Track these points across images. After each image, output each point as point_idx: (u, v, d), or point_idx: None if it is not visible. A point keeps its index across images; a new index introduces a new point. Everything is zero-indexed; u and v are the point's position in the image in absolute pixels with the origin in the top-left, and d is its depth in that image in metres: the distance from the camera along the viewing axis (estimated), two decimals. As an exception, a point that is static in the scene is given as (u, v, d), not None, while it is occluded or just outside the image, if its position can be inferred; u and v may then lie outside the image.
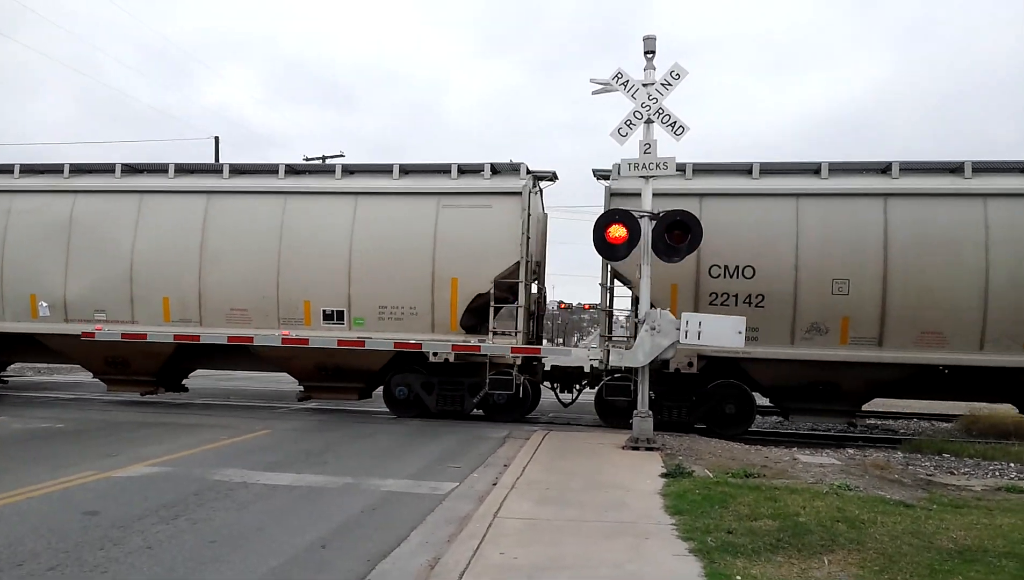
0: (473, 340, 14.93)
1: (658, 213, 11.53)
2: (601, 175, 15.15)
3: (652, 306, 11.69)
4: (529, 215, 14.89)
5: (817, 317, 13.91)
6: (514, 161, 15.45)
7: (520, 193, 14.83)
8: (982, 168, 13.90)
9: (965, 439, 14.24)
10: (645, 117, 11.74)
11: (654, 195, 12.03)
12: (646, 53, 11.81)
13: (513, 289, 15.00)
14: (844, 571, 5.56)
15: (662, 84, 11.72)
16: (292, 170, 16.29)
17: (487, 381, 14.81)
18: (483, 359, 14.87)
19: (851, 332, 13.85)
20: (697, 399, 14.50)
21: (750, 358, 13.96)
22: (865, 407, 17.62)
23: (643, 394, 11.73)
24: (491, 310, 14.82)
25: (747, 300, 14.06)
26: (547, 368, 16.44)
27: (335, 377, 15.77)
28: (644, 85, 11.75)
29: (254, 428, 13.22)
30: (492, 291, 14.78)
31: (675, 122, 11.69)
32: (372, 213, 15.36)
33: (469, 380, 15.20)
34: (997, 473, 10.91)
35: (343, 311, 15.28)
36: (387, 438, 12.74)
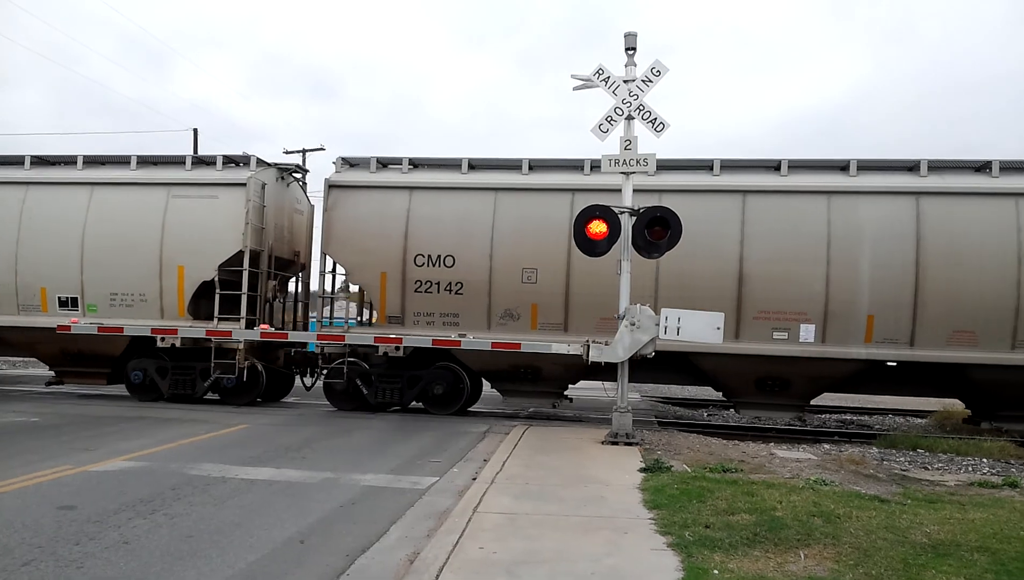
0: (200, 325, 15.56)
1: (639, 209, 11.58)
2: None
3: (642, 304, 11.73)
4: (264, 206, 15.81)
5: (510, 304, 14.67)
6: (247, 153, 16.19)
7: (245, 184, 15.39)
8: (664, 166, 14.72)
9: (939, 435, 14.43)
10: (626, 113, 11.78)
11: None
12: (627, 50, 11.84)
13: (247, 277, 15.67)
14: (820, 565, 5.62)
15: (643, 81, 11.75)
16: (40, 161, 16.92)
17: (212, 365, 15.48)
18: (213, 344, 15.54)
19: (540, 318, 14.57)
20: (410, 380, 15.33)
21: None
22: (843, 403, 17.85)
23: (622, 390, 11.78)
24: (216, 297, 15.43)
25: (448, 288, 14.89)
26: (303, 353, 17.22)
27: (81, 362, 16.40)
28: (625, 81, 11.78)
29: (232, 423, 13.15)
30: (216, 278, 15.43)
31: (655, 119, 11.73)
32: (106, 202, 16.11)
33: (201, 365, 15.74)
34: (970, 468, 11.06)
35: (77, 298, 15.94)
36: (367, 433, 12.71)
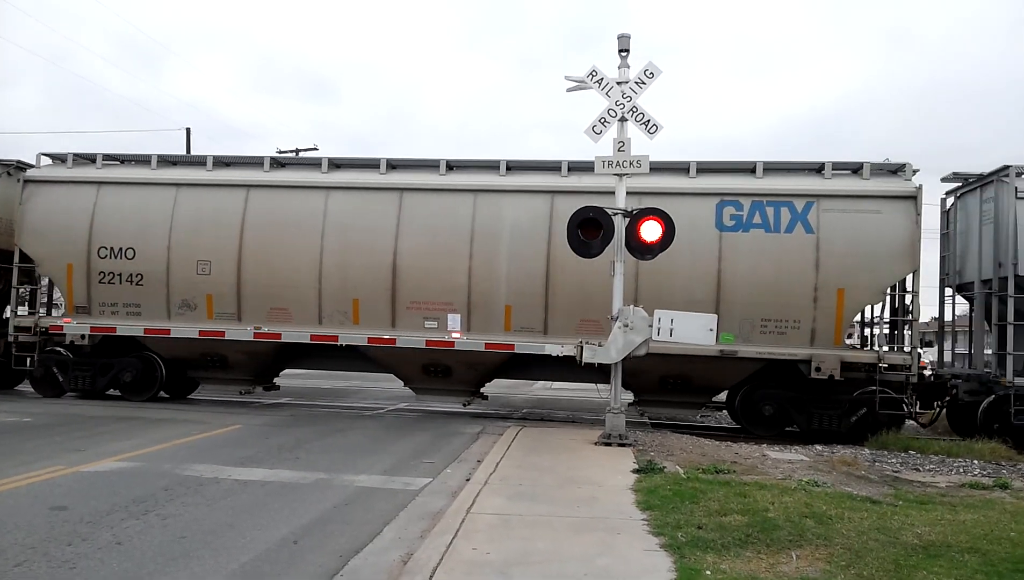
0: None
1: (631, 210, 11.60)
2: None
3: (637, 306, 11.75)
4: None
5: (187, 294, 15.60)
6: None
7: None
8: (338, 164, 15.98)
9: (931, 436, 14.48)
10: (619, 115, 11.80)
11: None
12: (620, 52, 11.86)
13: None
14: (812, 566, 5.65)
15: (636, 82, 11.78)
16: None
17: None
18: None
19: (216, 308, 15.51)
20: (102, 368, 16.16)
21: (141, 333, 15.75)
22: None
23: (615, 390, 11.80)
24: None
25: (129, 279, 15.78)
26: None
27: None
28: (618, 83, 11.80)
29: (225, 423, 13.12)
30: None
31: (648, 120, 11.75)
32: None
33: None
34: (961, 470, 11.11)
35: None
36: (360, 434, 12.70)
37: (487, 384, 16.31)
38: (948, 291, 15.93)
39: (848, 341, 16.02)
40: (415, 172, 15.59)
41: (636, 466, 9.61)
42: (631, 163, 11.74)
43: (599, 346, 11.97)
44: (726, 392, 15.55)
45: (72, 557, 5.74)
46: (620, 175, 11.83)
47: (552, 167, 15.28)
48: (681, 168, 14.79)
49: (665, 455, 10.73)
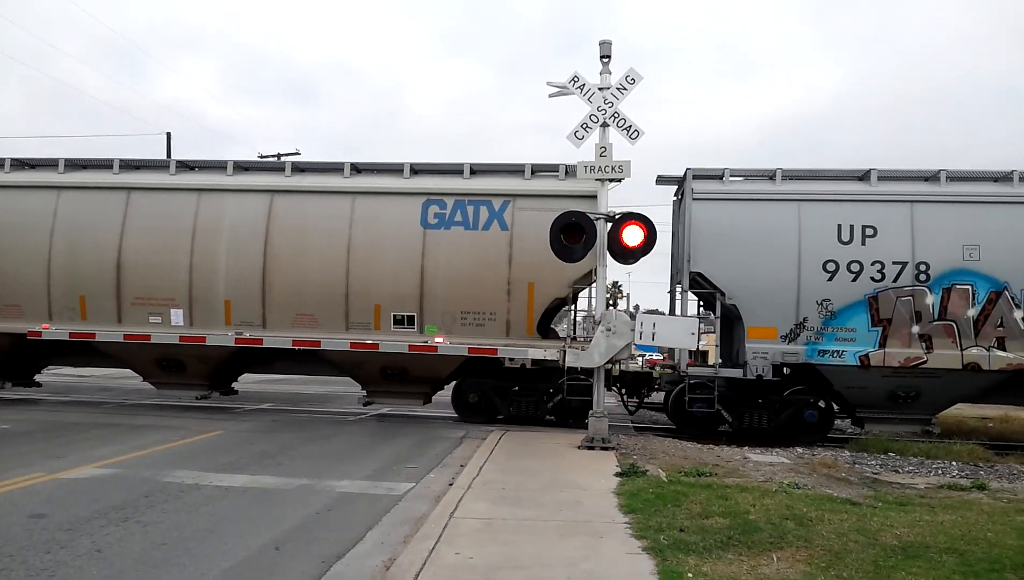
0: None
1: (614, 215, 11.66)
2: None
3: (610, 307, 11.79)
4: None
5: None
6: None
7: None
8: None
9: (910, 438, 14.62)
10: (601, 121, 11.86)
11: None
12: (602, 57, 11.93)
13: None
14: (792, 567, 5.69)
15: (618, 88, 11.85)
16: None
17: None
18: None
19: None
20: None
21: None
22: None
23: (598, 394, 11.84)
24: None
25: None
26: None
27: None
28: (600, 89, 11.87)
29: (207, 429, 13.04)
30: None
31: (630, 126, 11.83)
32: None
33: None
34: (940, 471, 11.23)
35: None
36: (343, 439, 12.66)
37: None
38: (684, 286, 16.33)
39: (560, 331, 18.05)
40: (145, 172, 16.10)
41: (619, 469, 9.64)
42: (613, 168, 11.80)
43: (582, 350, 12.01)
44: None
45: (51, 565, 5.69)
46: (602, 180, 11.89)
47: (276, 168, 16.20)
48: (396, 169, 15.45)
49: (648, 458, 10.78)
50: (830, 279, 13.95)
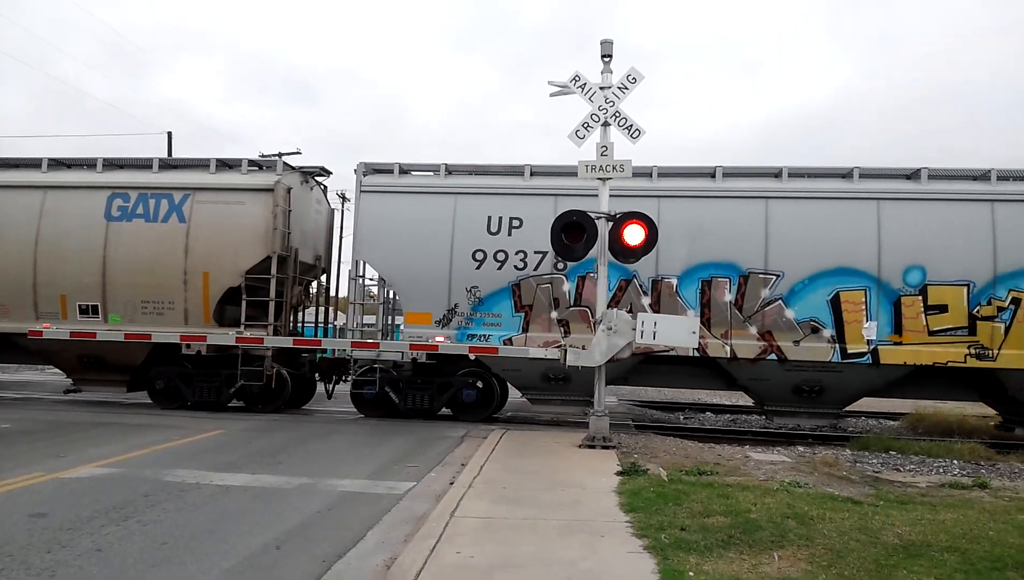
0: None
1: (615, 214, 11.65)
2: None
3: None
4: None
5: None
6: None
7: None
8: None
9: (911, 437, 14.62)
10: (602, 120, 11.85)
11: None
12: (603, 57, 11.92)
13: None
14: (793, 566, 5.68)
15: (619, 88, 11.83)
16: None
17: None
18: None
19: None
20: None
21: None
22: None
23: (599, 393, 11.83)
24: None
25: None
26: None
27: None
28: (601, 88, 11.86)
29: (207, 428, 13.04)
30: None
31: (631, 125, 11.81)
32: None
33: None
34: (941, 470, 11.22)
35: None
36: (344, 438, 12.66)
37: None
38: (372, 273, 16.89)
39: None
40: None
41: (620, 468, 9.63)
42: (614, 167, 11.78)
43: (583, 349, 12.00)
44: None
45: (52, 565, 5.69)
46: (603, 179, 11.87)
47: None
48: (91, 164, 16.36)
49: (649, 457, 10.77)
50: (478, 267, 14.81)
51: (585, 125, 11.92)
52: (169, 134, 34.13)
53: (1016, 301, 13.57)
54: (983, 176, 14.22)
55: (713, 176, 14.75)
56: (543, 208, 14.51)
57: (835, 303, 13.97)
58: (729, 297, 14.17)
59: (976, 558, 5.98)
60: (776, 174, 14.69)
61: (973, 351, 13.54)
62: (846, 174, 14.52)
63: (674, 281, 14.30)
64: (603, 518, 7.16)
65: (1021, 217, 13.79)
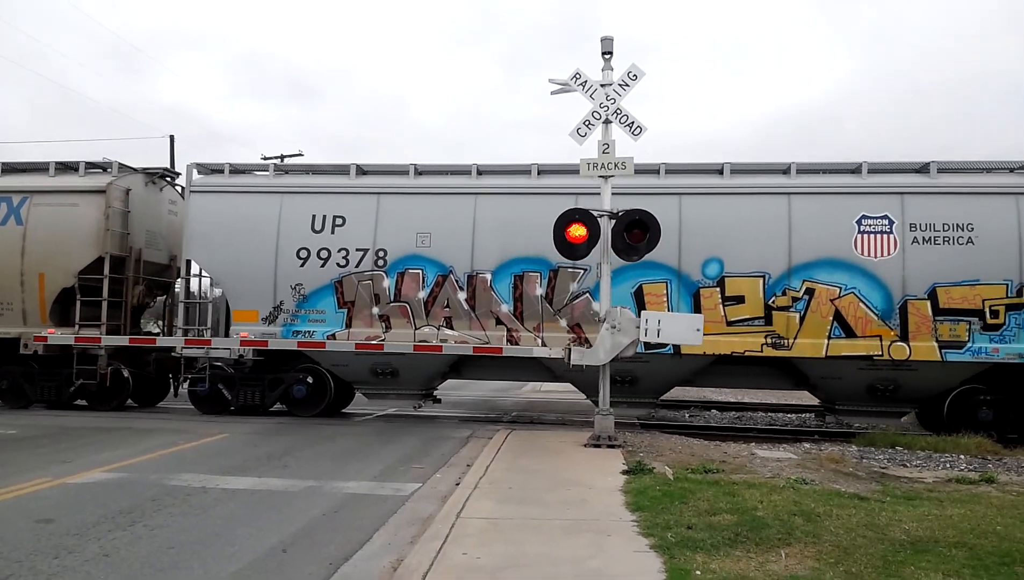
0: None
1: (617, 212, 11.63)
2: None
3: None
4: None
5: None
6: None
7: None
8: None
9: (917, 432, 14.58)
10: (603, 117, 11.83)
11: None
12: (603, 54, 11.90)
13: None
14: (801, 564, 5.67)
15: (620, 85, 11.82)
16: None
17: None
18: None
19: None
20: None
21: None
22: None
23: (604, 392, 11.82)
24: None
25: None
26: None
27: None
28: (602, 85, 11.84)
29: (212, 432, 13.06)
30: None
31: (633, 122, 11.79)
32: None
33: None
34: (948, 465, 11.18)
35: None
36: (349, 440, 12.67)
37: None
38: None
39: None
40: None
41: (625, 467, 9.62)
42: (616, 165, 11.77)
43: (587, 348, 11.99)
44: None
45: (59, 570, 5.70)
46: (605, 177, 11.86)
47: None
48: None
49: (654, 456, 10.76)
50: (302, 265, 15.02)
51: (586, 123, 11.91)
52: (172, 138, 34.22)
53: (810, 291, 13.77)
54: (784, 170, 14.50)
55: (529, 173, 15.08)
56: (366, 206, 15.02)
57: (638, 295, 14.18)
58: (540, 291, 14.46)
59: (984, 553, 5.96)
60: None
61: (770, 341, 13.75)
62: (654, 170, 14.72)
63: (488, 276, 14.59)
64: (609, 517, 7.15)
65: (815, 209, 14.01)
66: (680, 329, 11.58)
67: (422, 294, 14.67)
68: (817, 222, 13.88)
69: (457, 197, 14.95)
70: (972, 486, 9.29)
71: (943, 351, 13.48)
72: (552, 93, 12.19)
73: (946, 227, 13.62)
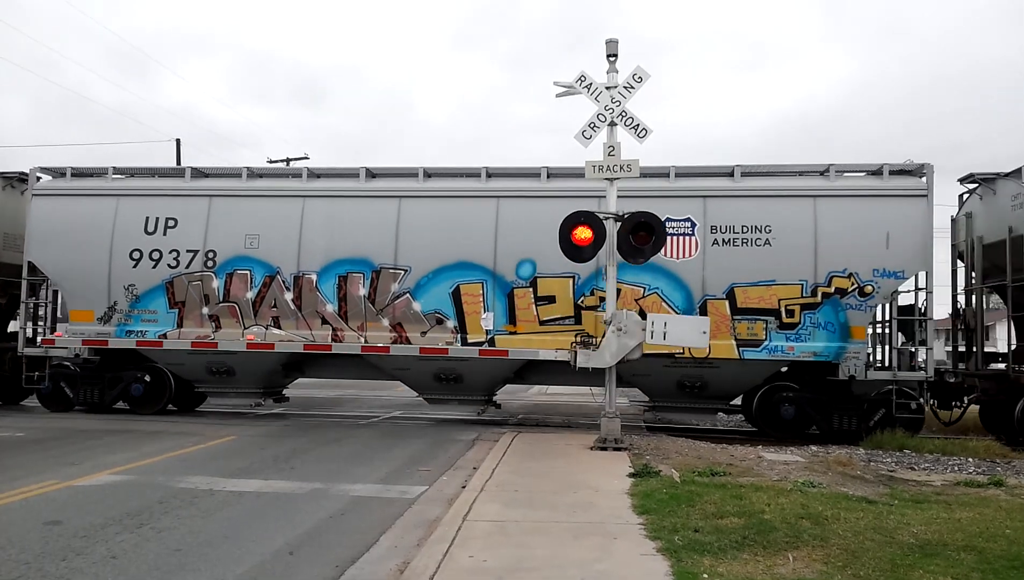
0: None
1: (623, 214, 11.62)
2: None
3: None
4: None
5: None
6: None
7: None
8: None
9: (925, 435, 14.52)
10: (608, 120, 11.83)
11: None
12: (608, 56, 11.90)
13: None
14: (808, 567, 5.65)
15: (625, 87, 11.81)
16: None
17: None
18: None
19: None
20: None
21: None
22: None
23: (610, 395, 11.81)
24: None
25: None
26: None
27: None
28: (607, 88, 11.84)
29: (219, 434, 13.08)
30: None
31: (638, 125, 11.79)
32: None
33: None
34: (956, 468, 11.13)
35: None
36: (355, 443, 12.68)
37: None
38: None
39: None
40: None
41: (632, 470, 9.61)
42: (621, 167, 11.76)
43: (593, 351, 11.98)
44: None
45: (67, 572, 5.71)
46: (611, 179, 11.85)
47: None
48: None
49: (661, 459, 10.74)
50: (135, 266, 15.48)
51: (592, 125, 11.91)
52: (178, 141, 34.33)
53: (616, 292, 13.70)
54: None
55: (358, 176, 15.51)
56: (198, 208, 15.52)
57: (456, 295, 14.67)
58: (363, 291, 14.90)
59: (993, 557, 5.93)
60: (412, 174, 15.44)
61: (579, 339, 13.79)
62: (475, 174, 15.26)
63: (314, 276, 15.02)
64: (616, 520, 7.14)
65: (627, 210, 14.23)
66: (685, 331, 11.58)
67: (250, 294, 15.17)
68: None
69: (286, 200, 15.42)
70: (981, 489, 9.25)
71: (741, 349, 13.90)
72: (557, 96, 12.20)
73: (745, 229, 14.05)
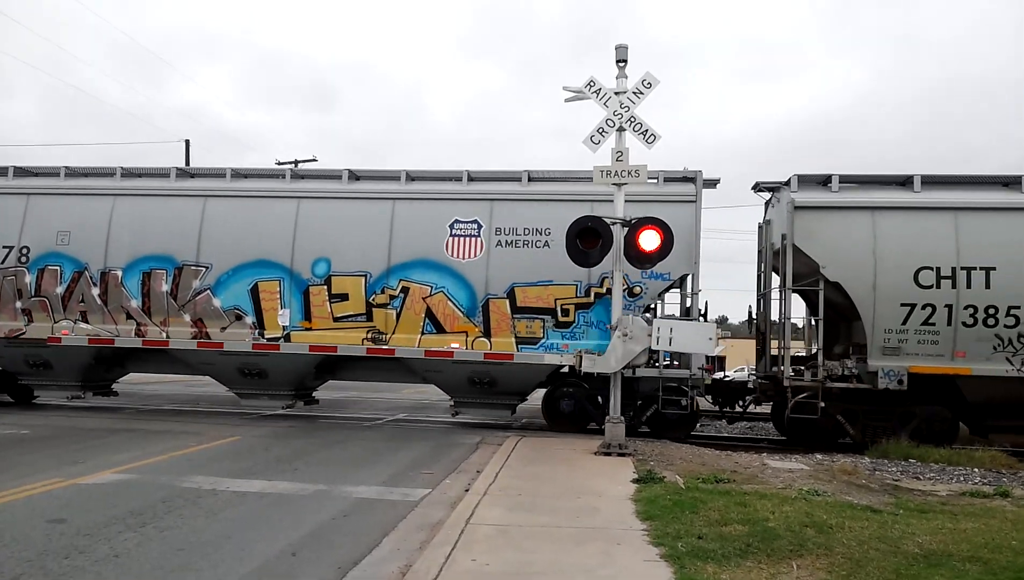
0: None
1: (630, 219, 11.61)
2: None
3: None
4: None
5: None
6: None
7: None
8: None
9: (931, 444, 14.44)
10: (617, 125, 11.83)
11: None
12: (618, 62, 11.90)
13: None
14: (812, 575, 5.63)
15: (634, 93, 11.81)
16: None
17: None
18: None
19: None
20: None
21: None
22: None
23: (614, 400, 11.79)
24: None
25: None
26: None
27: None
28: (616, 93, 11.84)
29: (224, 435, 13.09)
30: None
31: (647, 130, 11.78)
32: None
33: None
34: (962, 478, 11.09)
35: None
36: (359, 445, 12.67)
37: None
38: None
39: None
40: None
41: (636, 476, 9.58)
42: (629, 173, 11.75)
43: (599, 356, 11.97)
44: None
45: (70, 570, 5.71)
46: (619, 184, 11.85)
47: None
48: None
49: (665, 465, 10.71)
50: None
51: (600, 130, 11.91)
52: (187, 142, 34.39)
53: (406, 290, 14.72)
54: (396, 177, 15.44)
55: (168, 176, 16.11)
56: (15, 205, 16.07)
57: (255, 292, 15.16)
58: (166, 287, 15.42)
59: (998, 568, 5.90)
60: (221, 174, 16.06)
61: (370, 335, 14.66)
62: (278, 175, 16.14)
63: (120, 273, 15.54)
64: (619, 526, 7.12)
65: (415, 213, 14.98)
66: (691, 337, 11.55)
67: (60, 289, 15.68)
68: (416, 226, 14.90)
69: (98, 198, 15.92)
70: (986, 500, 9.20)
71: (520, 346, 14.36)
72: (566, 100, 12.21)
73: (527, 231, 14.58)
